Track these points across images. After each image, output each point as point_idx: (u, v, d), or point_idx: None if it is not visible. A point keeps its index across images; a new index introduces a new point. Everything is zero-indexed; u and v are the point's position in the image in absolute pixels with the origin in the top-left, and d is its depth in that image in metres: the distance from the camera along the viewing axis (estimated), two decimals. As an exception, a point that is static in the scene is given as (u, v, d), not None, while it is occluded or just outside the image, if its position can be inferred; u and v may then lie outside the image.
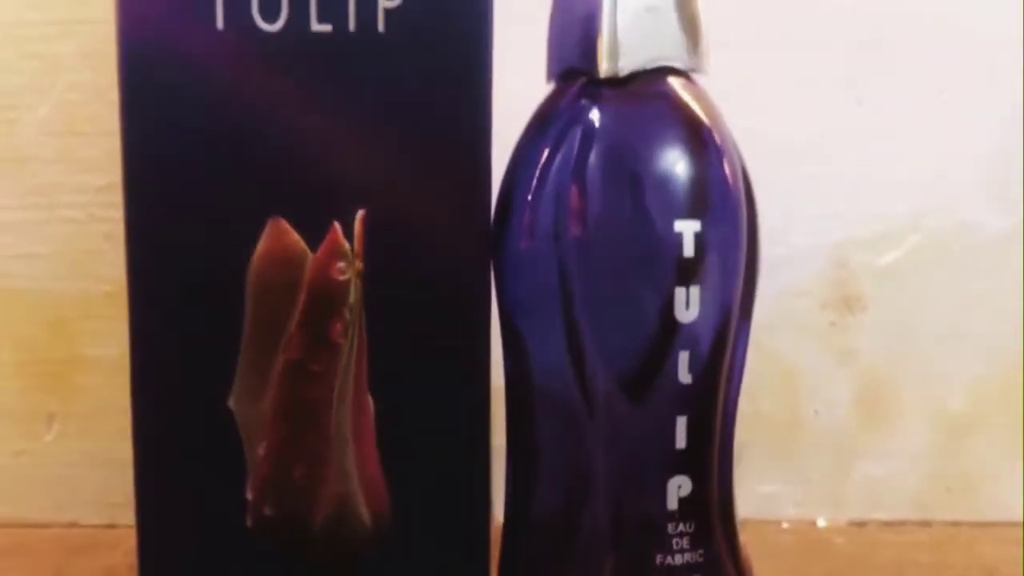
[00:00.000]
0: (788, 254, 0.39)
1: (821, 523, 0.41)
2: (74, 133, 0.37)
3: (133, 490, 0.35)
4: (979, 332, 0.40)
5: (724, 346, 0.26)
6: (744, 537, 0.39)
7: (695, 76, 0.27)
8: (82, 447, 0.38)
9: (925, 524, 0.40)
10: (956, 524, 0.40)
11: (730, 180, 0.26)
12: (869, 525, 0.40)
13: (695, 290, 0.25)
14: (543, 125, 0.27)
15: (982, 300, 0.39)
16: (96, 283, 0.37)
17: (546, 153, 0.26)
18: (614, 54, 0.26)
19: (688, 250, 0.25)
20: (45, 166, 0.37)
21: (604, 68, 0.26)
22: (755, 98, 0.38)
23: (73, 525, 0.38)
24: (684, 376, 0.25)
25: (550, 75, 0.28)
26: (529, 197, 0.27)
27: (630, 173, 0.26)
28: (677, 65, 0.26)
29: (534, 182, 0.27)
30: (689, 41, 0.27)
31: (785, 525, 0.40)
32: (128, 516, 0.38)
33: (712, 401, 0.26)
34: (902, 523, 0.40)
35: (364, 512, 0.27)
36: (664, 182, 0.26)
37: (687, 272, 0.25)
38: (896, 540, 0.39)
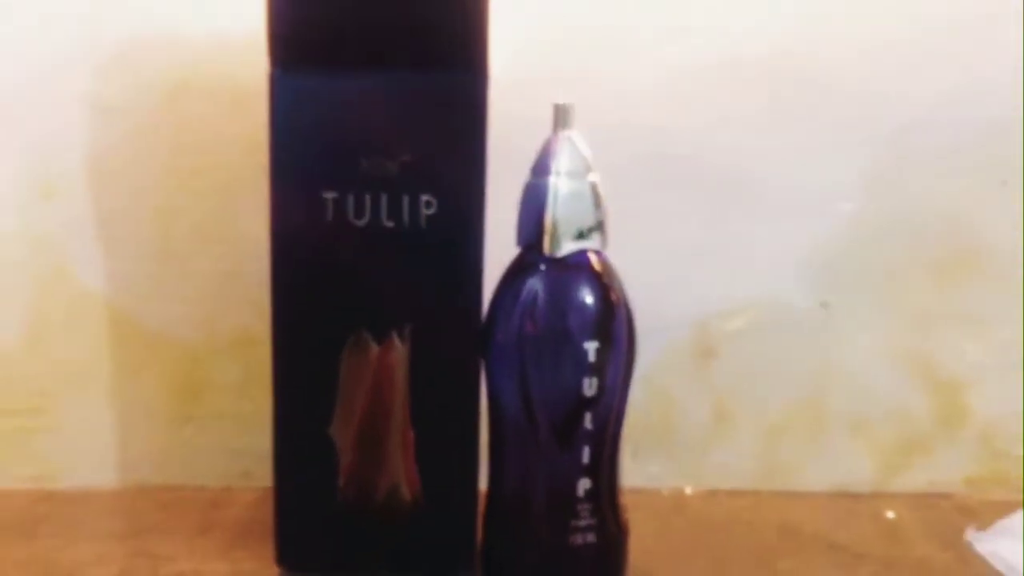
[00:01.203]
0: (669, 323, 0.59)
1: (688, 491, 0.61)
2: (206, 239, 0.56)
3: (246, 472, 0.54)
4: (789, 371, 0.60)
5: (612, 406, 0.46)
6: (635, 500, 0.59)
7: (602, 252, 0.47)
8: (209, 439, 0.58)
9: (755, 492, 0.60)
10: (776, 493, 0.60)
11: (620, 318, 0.46)
12: (718, 493, 0.60)
13: (595, 379, 0.45)
14: (514, 276, 0.47)
15: (791, 351, 0.60)
16: (222, 332, 0.57)
17: (515, 293, 0.46)
18: (554, 242, 0.46)
19: (591, 358, 0.45)
20: (188, 259, 0.56)
21: (547, 250, 0.46)
22: (649, 223, 0.58)
23: (202, 488, 0.58)
24: (588, 424, 0.46)
25: (519, 242, 0.47)
26: (506, 313, 0.46)
27: (561, 309, 0.46)
28: (592, 246, 0.46)
29: (506, 306, 0.46)
30: (600, 223, 0.47)
31: (664, 493, 0.60)
32: (240, 483, 0.58)
33: (604, 437, 0.46)
34: (740, 491, 0.60)
35: (406, 492, 0.47)
36: (580, 317, 0.46)
37: (590, 369, 0.45)
38: (734, 503, 0.59)
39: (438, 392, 0.47)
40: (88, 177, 0.55)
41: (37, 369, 0.57)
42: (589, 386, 0.45)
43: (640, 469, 0.60)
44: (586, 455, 0.46)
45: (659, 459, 0.61)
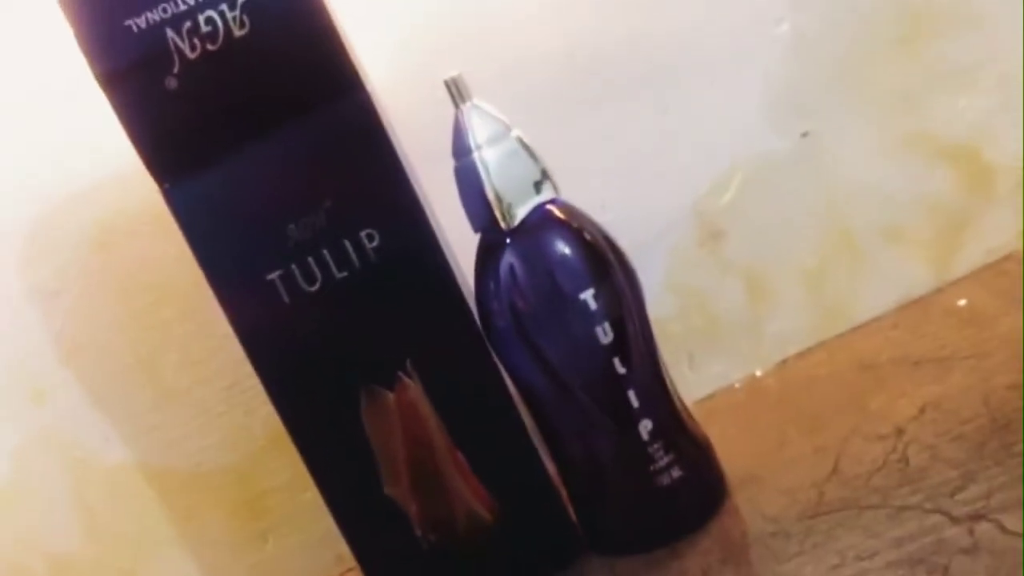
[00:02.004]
0: (665, 225, 0.56)
1: (758, 373, 0.59)
2: (194, 365, 0.55)
3: (339, 557, 0.53)
4: (801, 214, 0.57)
5: (636, 340, 0.44)
6: (713, 405, 0.57)
7: (557, 199, 0.44)
8: (291, 542, 0.57)
9: (821, 345, 0.58)
10: (842, 336, 0.58)
11: (604, 254, 0.44)
12: (787, 362, 0.58)
13: (605, 324, 0.43)
14: (485, 262, 0.45)
15: (794, 194, 0.56)
16: (253, 441, 0.56)
17: (493, 277, 0.44)
18: (506, 214, 0.43)
19: (593, 305, 0.43)
20: (189, 391, 0.55)
21: (504, 225, 0.43)
22: (605, 140, 0.55)
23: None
24: (620, 369, 0.44)
25: (474, 228, 0.45)
26: (494, 300, 0.45)
27: (544, 272, 0.44)
28: (545, 199, 0.44)
29: (492, 295, 0.44)
30: (545, 175, 0.44)
31: (737, 386, 0.58)
32: (338, 569, 0.57)
33: (644, 374, 0.44)
34: (807, 351, 0.58)
35: (484, 512, 0.46)
36: (565, 271, 0.44)
37: (597, 317, 0.43)
38: (807, 364, 0.57)
39: (466, 404, 0.45)
40: (65, 363, 0.55)
41: (108, 557, 0.56)
42: (604, 334, 0.43)
43: (704, 375, 0.58)
44: (634, 398, 0.44)
45: (718, 357, 0.58)
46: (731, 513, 0.46)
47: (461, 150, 0.44)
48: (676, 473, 0.45)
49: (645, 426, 0.44)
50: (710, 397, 0.58)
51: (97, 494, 0.56)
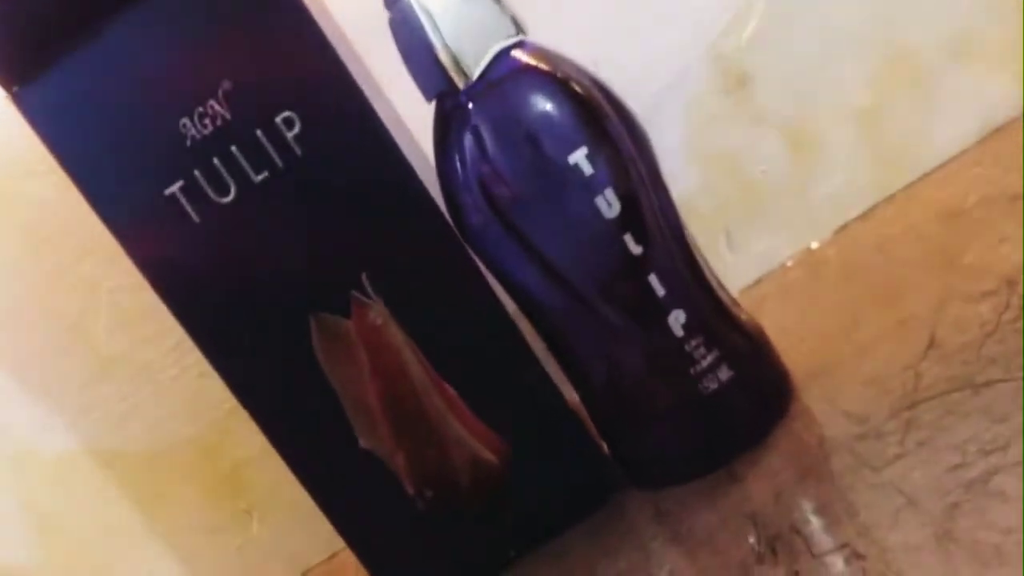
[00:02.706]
0: (681, 75, 0.45)
1: (814, 245, 0.48)
2: (130, 329, 0.45)
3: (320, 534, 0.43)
4: (844, 39, 0.45)
5: (652, 212, 0.34)
6: (763, 291, 0.47)
7: (526, 41, 0.34)
8: (281, 518, 0.48)
9: (889, 200, 0.47)
10: (910, 185, 0.47)
11: (596, 102, 0.33)
12: (848, 226, 0.47)
13: (608, 191, 0.33)
14: (443, 139, 0.35)
15: (834, 15, 0.45)
16: (214, 408, 0.46)
17: (456, 157, 0.34)
18: (459, 69, 0.33)
19: (589, 169, 0.33)
20: (129, 360, 0.46)
21: (460, 83, 0.33)
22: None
23: (310, 569, 0.49)
24: (635, 249, 0.33)
25: (427, 98, 0.35)
26: (463, 186, 0.35)
27: (522, 136, 0.34)
28: (509, 43, 0.34)
29: (459, 181, 0.34)
30: (505, 14, 0.34)
31: (789, 264, 0.48)
32: (329, 551, 0.48)
33: (667, 252, 0.34)
34: (871, 210, 0.47)
35: (490, 455, 0.36)
36: (548, 131, 0.33)
37: (596, 184, 0.33)
38: (872, 224, 0.46)
39: (446, 321, 0.35)
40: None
41: (71, 561, 0.48)
42: (607, 205, 0.33)
43: (747, 256, 0.48)
44: (657, 284, 0.34)
45: (761, 232, 0.48)
46: (801, 417, 0.35)
47: (392, -7, 0.34)
48: (724, 374, 0.34)
49: (676, 318, 0.34)
50: (757, 282, 0.48)
51: (45, 491, 0.47)
